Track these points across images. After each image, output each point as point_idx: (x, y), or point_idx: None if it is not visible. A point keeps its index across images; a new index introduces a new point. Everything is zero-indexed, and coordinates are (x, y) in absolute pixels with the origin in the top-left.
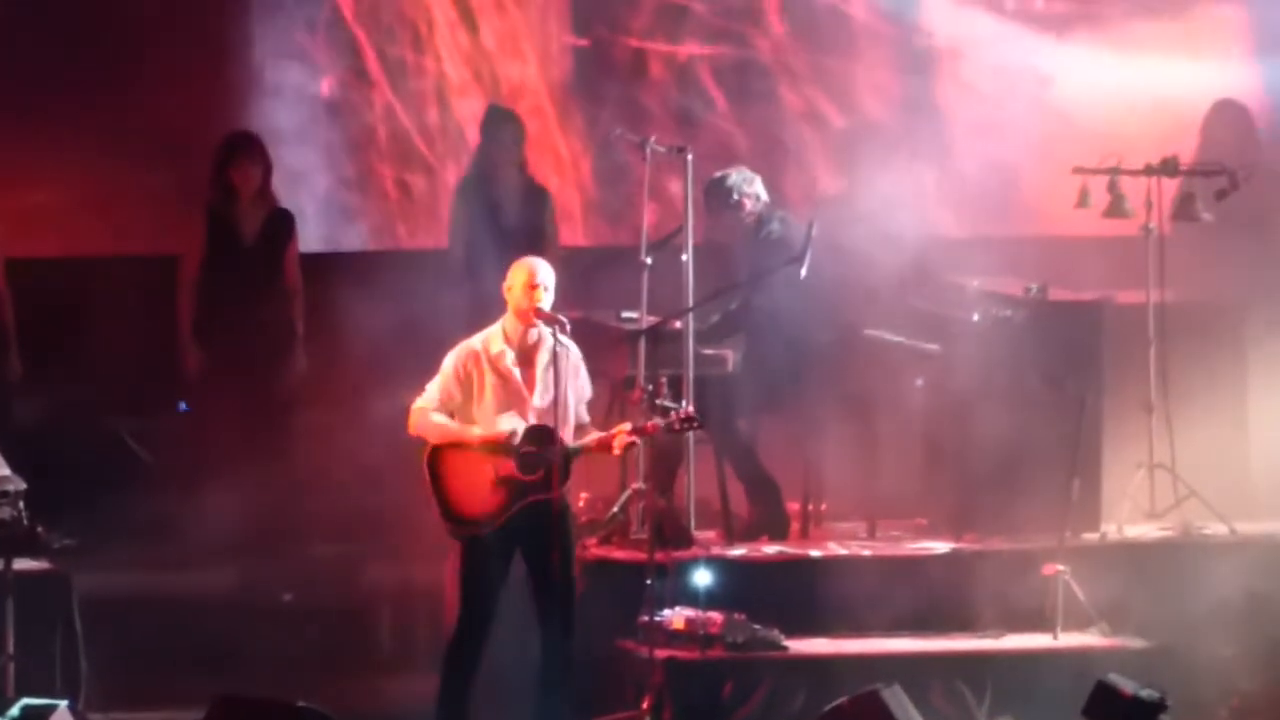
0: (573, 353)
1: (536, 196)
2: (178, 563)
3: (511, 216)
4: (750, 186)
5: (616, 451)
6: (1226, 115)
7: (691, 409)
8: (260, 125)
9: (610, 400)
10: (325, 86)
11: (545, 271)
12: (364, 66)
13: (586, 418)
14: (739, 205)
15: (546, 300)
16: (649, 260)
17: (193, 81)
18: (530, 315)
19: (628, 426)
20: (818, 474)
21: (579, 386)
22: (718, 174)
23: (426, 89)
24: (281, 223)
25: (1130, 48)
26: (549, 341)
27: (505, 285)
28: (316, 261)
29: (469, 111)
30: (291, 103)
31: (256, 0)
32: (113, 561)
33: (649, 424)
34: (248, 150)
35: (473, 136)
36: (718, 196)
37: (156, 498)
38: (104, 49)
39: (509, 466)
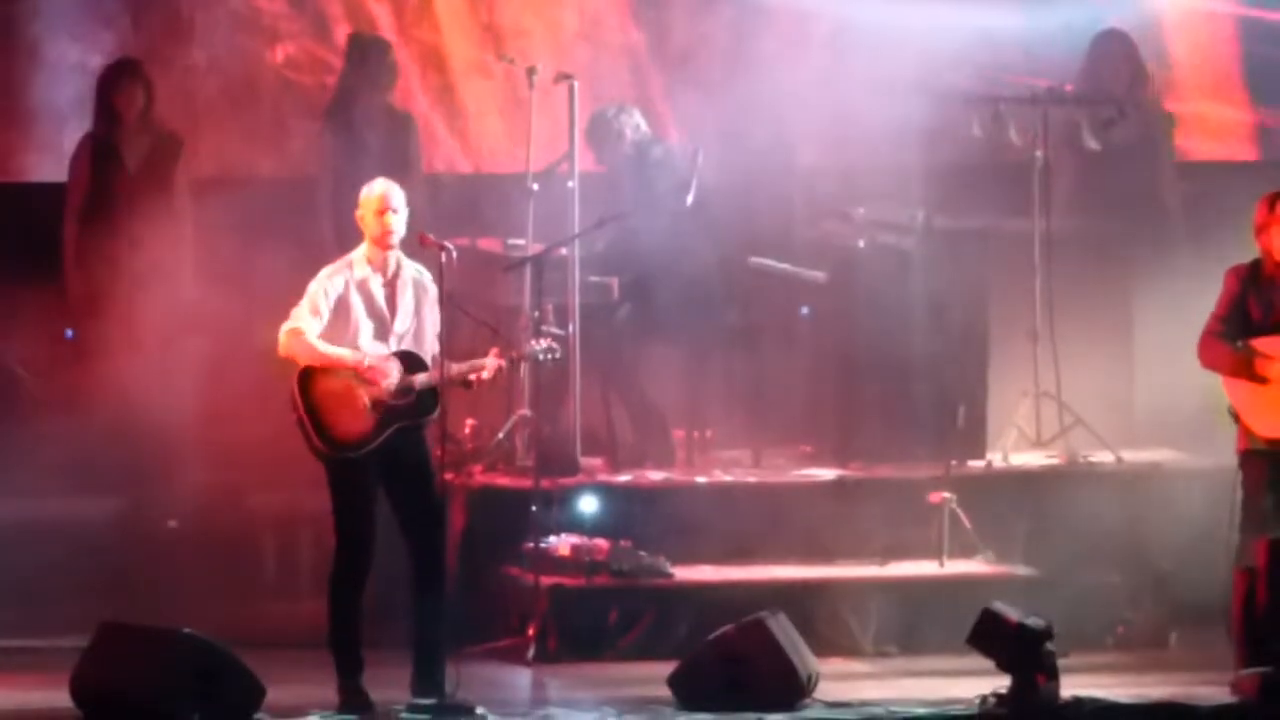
0: (429, 284)
1: (401, 123)
2: (63, 490)
3: (375, 143)
4: (630, 118)
5: (484, 376)
6: (1112, 45)
7: (554, 332)
8: None
9: (496, 327)
10: None
11: (396, 195)
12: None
13: (437, 347)
14: (620, 137)
15: (398, 223)
16: (535, 187)
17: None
18: (385, 240)
19: (494, 353)
20: (703, 401)
21: (432, 319)
22: (597, 110)
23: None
24: (168, 147)
25: None
26: (409, 268)
27: (357, 213)
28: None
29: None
30: None
31: None
32: None
33: (515, 351)
34: (129, 75)
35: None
36: (599, 131)
37: (42, 425)
38: None
39: (381, 392)
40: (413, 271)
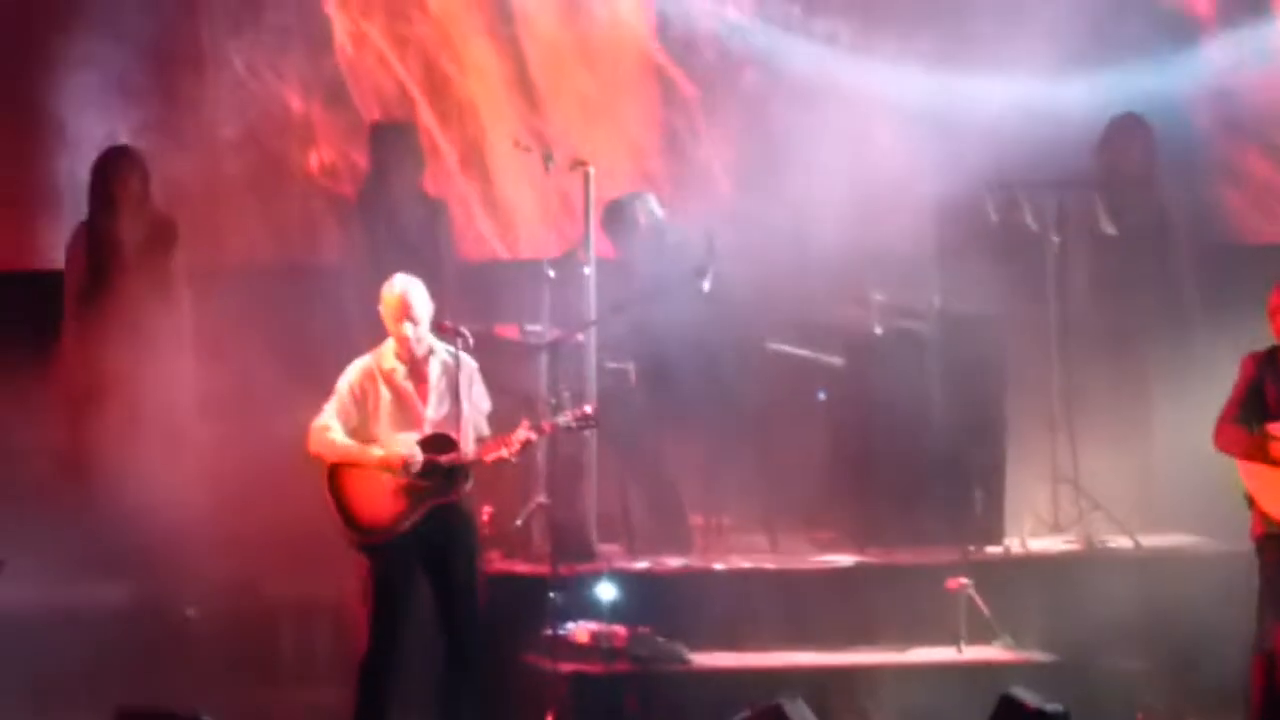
0: (465, 363)
1: (432, 209)
2: (77, 577)
3: (408, 232)
4: (644, 204)
5: (514, 449)
6: (1127, 128)
7: (588, 408)
8: None
9: (514, 415)
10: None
11: (417, 299)
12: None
13: (486, 430)
14: (635, 223)
15: (418, 332)
16: (552, 273)
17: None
18: (405, 346)
19: (524, 426)
20: (720, 486)
21: (475, 398)
22: (613, 200)
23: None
24: (164, 234)
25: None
26: (440, 354)
27: (380, 308)
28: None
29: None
30: None
31: None
32: (11, 574)
33: (545, 422)
34: (124, 161)
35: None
36: (614, 217)
37: (55, 511)
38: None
39: (405, 480)
40: (444, 355)
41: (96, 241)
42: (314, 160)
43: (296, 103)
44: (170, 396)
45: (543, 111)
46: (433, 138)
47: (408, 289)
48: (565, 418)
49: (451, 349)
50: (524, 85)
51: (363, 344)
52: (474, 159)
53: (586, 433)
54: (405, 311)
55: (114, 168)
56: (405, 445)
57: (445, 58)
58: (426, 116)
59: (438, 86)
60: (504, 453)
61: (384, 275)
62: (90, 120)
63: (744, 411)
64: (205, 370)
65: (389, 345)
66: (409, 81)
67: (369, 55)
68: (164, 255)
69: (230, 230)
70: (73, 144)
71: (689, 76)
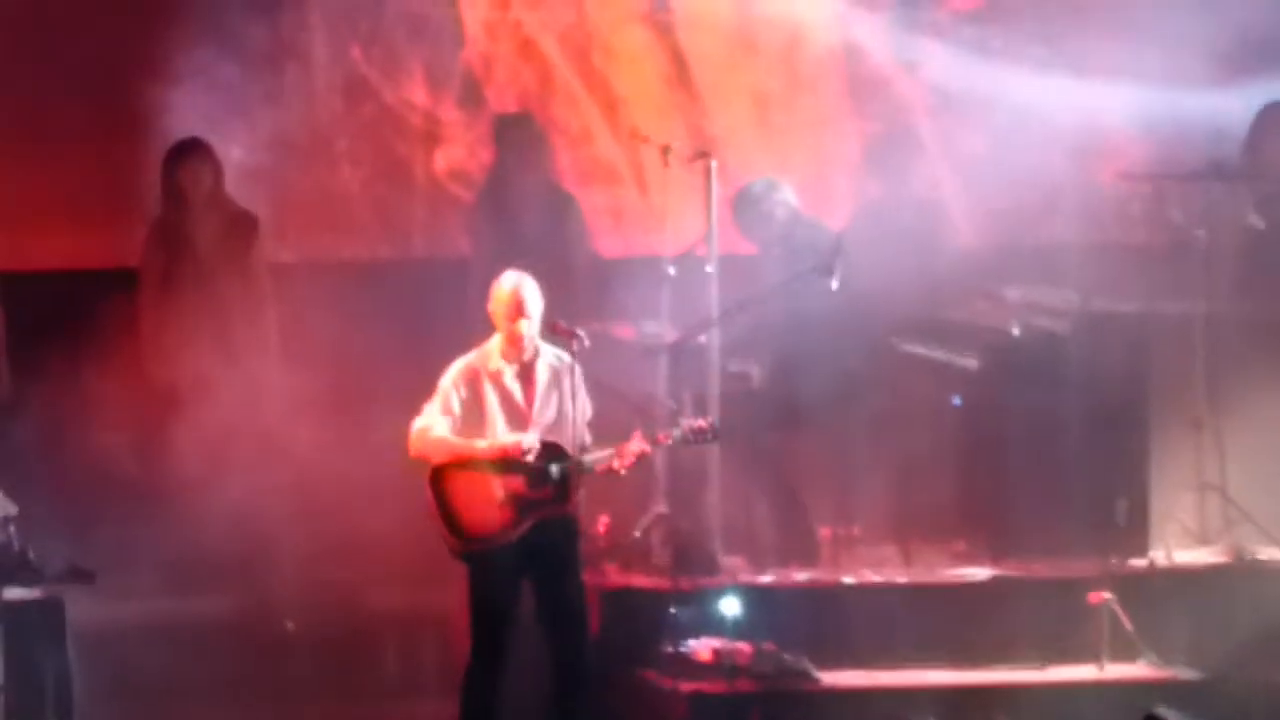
0: (572, 367)
1: (561, 203)
2: (177, 589)
3: (532, 225)
4: (778, 194)
5: (627, 462)
6: (1277, 120)
7: (705, 421)
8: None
9: (630, 420)
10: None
11: (529, 295)
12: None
13: (589, 438)
14: (769, 216)
15: (531, 328)
16: (672, 271)
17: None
18: (517, 345)
19: (638, 437)
20: (849, 496)
21: (580, 405)
22: (746, 186)
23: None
24: (241, 227)
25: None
26: (547, 356)
27: (489, 306)
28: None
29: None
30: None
31: None
32: (108, 588)
33: (660, 434)
34: (195, 154)
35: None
36: (745, 208)
37: (153, 523)
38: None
39: (517, 483)
40: (551, 358)
41: (168, 237)
42: (440, 160)
43: (420, 97)
44: (255, 398)
45: (695, 105)
46: (567, 129)
47: (520, 285)
48: (681, 431)
49: (559, 351)
50: (678, 77)
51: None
52: (597, 152)
53: (706, 441)
54: (518, 309)
55: (183, 161)
56: (514, 439)
57: (592, 47)
58: (561, 108)
59: (579, 78)
60: (615, 464)
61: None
62: (198, 129)
63: (873, 416)
64: (303, 372)
65: (495, 344)
66: (551, 68)
67: (503, 46)
68: (243, 250)
69: (344, 228)
70: None
71: (837, 75)
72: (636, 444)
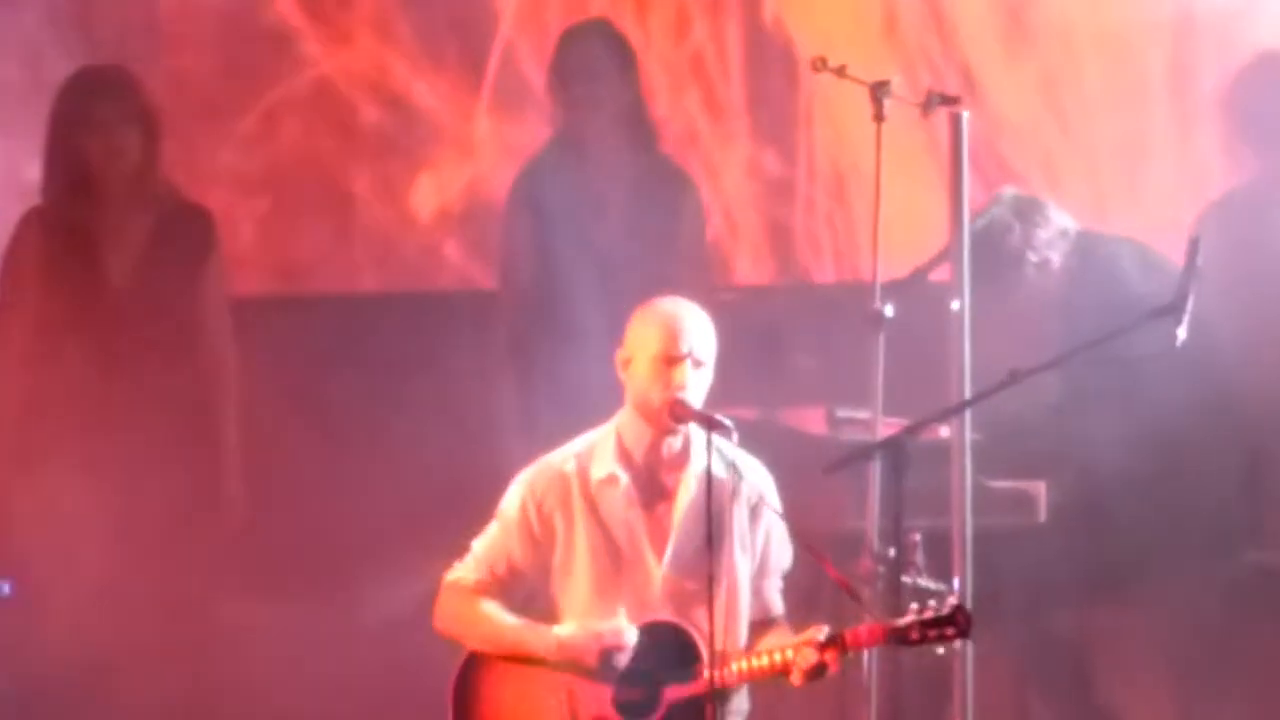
0: (748, 482)
1: (671, 186)
2: None
3: (618, 223)
4: (1040, 229)
5: (800, 679)
6: None
7: (949, 602)
8: None
9: (812, 578)
10: None
11: (695, 327)
12: None
13: (779, 608)
14: (1041, 265)
15: (698, 381)
16: (888, 310)
17: None
18: (668, 414)
19: (823, 633)
20: (1206, 710)
21: (765, 544)
22: (977, 218)
23: None
24: (189, 229)
25: None
26: (700, 457)
27: (621, 355)
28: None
29: None
30: None
31: None
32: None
33: (869, 627)
34: (112, 96)
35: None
36: (992, 255)
37: None
38: None
39: (602, 702)
40: (721, 469)
41: (57, 242)
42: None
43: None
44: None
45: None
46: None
47: (681, 312)
48: (908, 622)
49: (740, 458)
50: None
51: (537, 435)
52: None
53: (946, 648)
54: (675, 342)
55: (90, 107)
56: (590, 634)
57: None
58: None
59: None
60: (782, 664)
61: (573, 303)
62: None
63: (1249, 571)
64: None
65: (605, 436)
66: None
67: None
68: (189, 271)
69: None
70: None
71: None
72: (810, 652)
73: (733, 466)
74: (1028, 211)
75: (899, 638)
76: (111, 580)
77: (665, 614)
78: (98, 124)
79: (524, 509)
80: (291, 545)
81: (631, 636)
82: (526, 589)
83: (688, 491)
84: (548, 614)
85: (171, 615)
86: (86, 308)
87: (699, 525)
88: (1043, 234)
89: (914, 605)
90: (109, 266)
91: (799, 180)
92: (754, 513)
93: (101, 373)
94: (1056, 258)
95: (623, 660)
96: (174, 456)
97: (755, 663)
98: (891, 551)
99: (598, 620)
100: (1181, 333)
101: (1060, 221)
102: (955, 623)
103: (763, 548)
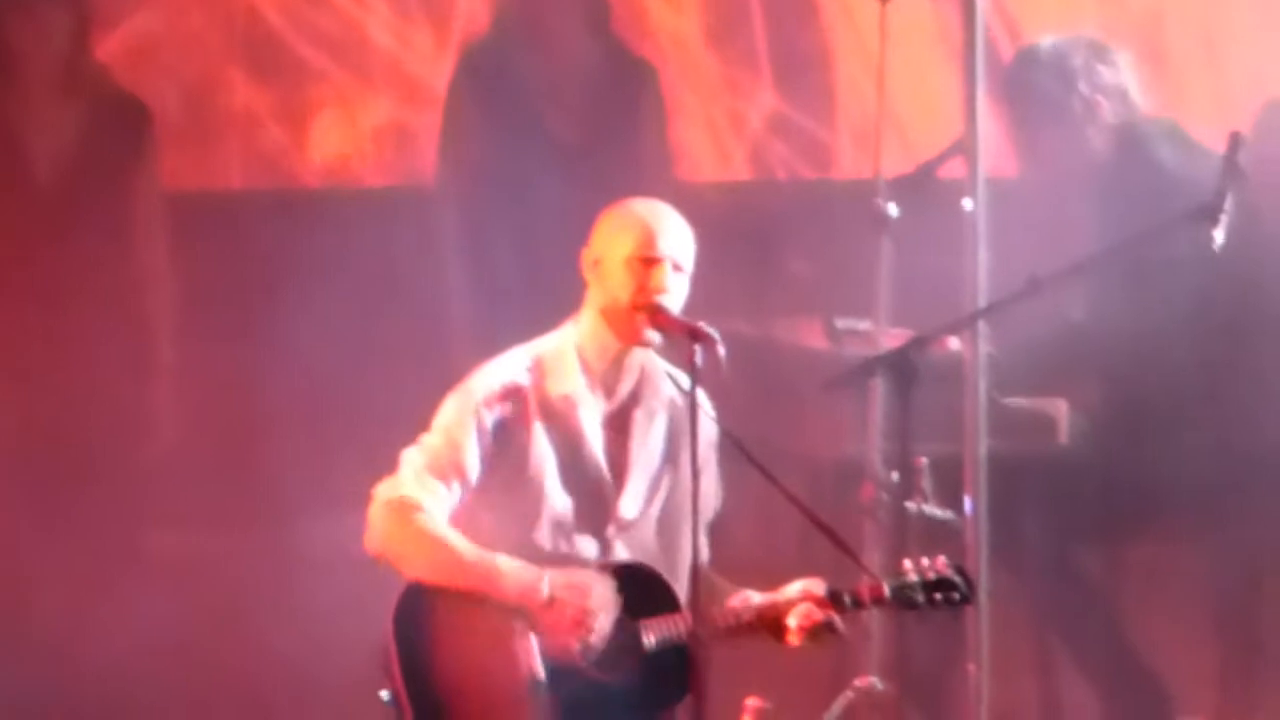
0: (704, 414)
1: (630, 77)
2: None
3: (575, 118)
4: (1106, 66)
5: (795, 639)
6: None
7: (943, 563)
8: None
9: (810, 505)
10: None
11: (675, 228)
12: None
13: (707, 552)
14: (1089, 105)
15: (676, 288)
16: (892, 209)
17: None
18: (647, 320)
19: (816, 586)
20: (1238, 663)
21: (711, 486)
22: (1033, 44)
23: None
24: (123, 121)
25: None
26: (664, 387)
27: (588, 255)
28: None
29: None
30: None
31: None
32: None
33: (868, 587)
34: None
35: None
36: (1038, 86)
37: None
38: None
39: (568, 649)
40: (671, 390)
41: None
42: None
43: None
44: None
45: None
46: None
47: (656, 213)
48: (908, 580)
49: (677, 375)
50: None
51: (482, 342)
52: None
53: (952, 606)
54: (652, 246)
55: None
56: (571, 578)
57: None
58: None
59: None
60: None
61: (524, 203)
62: None
63: None
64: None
65: (565, 344)
66: None
67: None
68: (125, 167)
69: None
70: None
71: None
72: (803, 603)
73: (682, 389)
74: (1099, 48)
75: (909, 596)
76: (27, 501)
77: (624, 550)
78: (21, 2)
79: (478, 421)
80: (226, 470)
81: (602, 589)
82: (468, 503)
83: (649, 416)
84: (491, 534)
85: (90, 544)
86: (9, 207)
87: (660, 452)
88: (1105, 74)
89: (907, 563)
90: (35, 162)
91: (776, 62)
92: (708, 445)
93: (25, 279)
94: (1107, 110)
95: (598, 622)
96: (101, 371)
97: (756, 602)
98: (895, 476)
99: (559, 547)
100: (1219, 235)
101: (1127, 78)
102: (956, 586)
103: (705, 487)
